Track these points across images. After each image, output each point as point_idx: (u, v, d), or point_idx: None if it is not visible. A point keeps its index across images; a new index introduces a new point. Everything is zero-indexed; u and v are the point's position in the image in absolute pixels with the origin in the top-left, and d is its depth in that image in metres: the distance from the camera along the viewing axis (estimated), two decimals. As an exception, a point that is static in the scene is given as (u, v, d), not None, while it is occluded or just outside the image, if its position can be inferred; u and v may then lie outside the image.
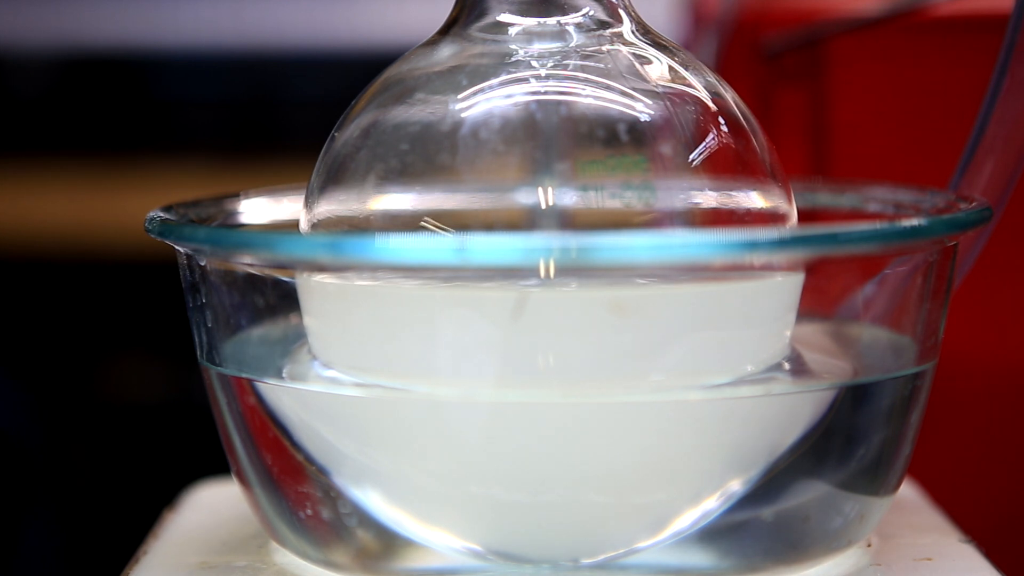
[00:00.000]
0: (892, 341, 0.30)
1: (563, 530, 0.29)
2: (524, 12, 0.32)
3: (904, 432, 0.30)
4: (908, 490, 0.35)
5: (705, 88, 0.32)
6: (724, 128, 0.31)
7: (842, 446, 0.29)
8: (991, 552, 0.32)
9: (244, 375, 0.30)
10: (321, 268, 0.29)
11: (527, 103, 0.31)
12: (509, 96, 0.31)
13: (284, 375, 0.30)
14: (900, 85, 0.44)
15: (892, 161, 0.44)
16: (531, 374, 0.28)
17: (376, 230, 0.31)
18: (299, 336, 0.31)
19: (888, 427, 0.30)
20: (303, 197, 0.33)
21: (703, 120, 0.31)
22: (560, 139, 0.31)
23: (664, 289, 0.28)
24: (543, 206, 0.32)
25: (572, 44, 0.32)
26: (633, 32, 0.32)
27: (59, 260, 1.03)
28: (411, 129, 0.31)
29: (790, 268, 0.29)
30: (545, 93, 0.31)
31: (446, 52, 0.32)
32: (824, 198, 0.36)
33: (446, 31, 0.33)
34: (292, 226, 0.34)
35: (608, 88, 0.31)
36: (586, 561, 0.29)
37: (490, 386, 0.28)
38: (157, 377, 1.01)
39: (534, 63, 0.31)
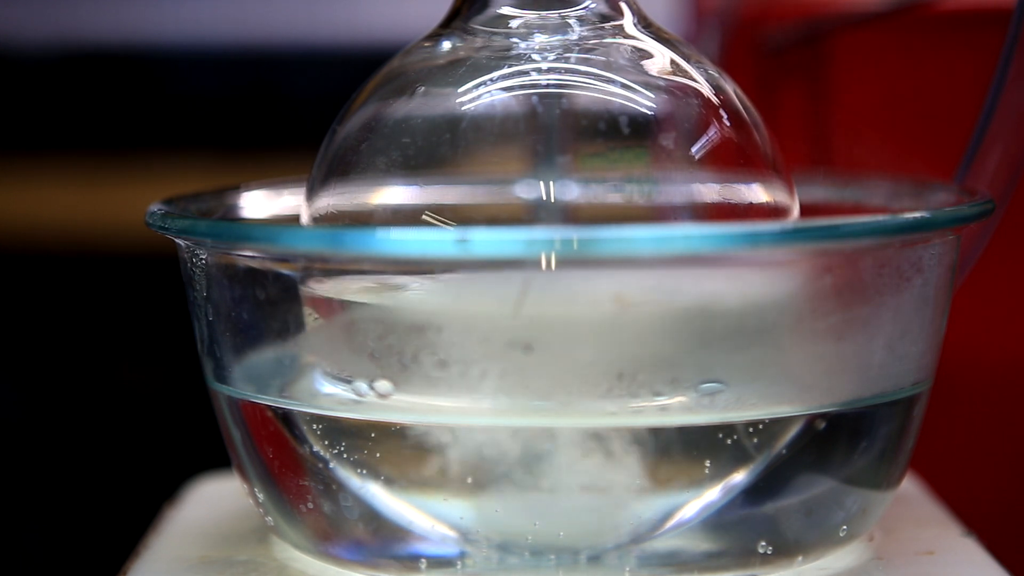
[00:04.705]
0: (896, 337, 0.29)
1: (566, 522, 0.29)
2: (525, 5, 0.32)
3: (906, 426, 0.30)
4: (910, 484, 0.35)
5: (707, 81, 0.32)
6: (726, 121, 0.31)
7: (845, 440, 0.29)
8: (993, 546, 0.32)
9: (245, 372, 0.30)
10: (322, 260, 0.29)
11: (528, 96, 0.31)
12: (510, 89, 0.31)
13: (285, 383, 0.30)
14: (902, 79, 0.44)
15: (894, 155, 0.44)
16: (532, 381, 0.28)
17: (377, 223, 0.31)
18: (299, 333, 0.31)
19: (890, 422, 0.30)
20: (303, 190, 0.33)
21: (705, 113, 0.31)
22: (561, 132, 0.31)
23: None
24: (545, 199, 0.32)
25: (573, 37, 0.32)
26: (635, 25, 0.32)
27: (60, 254, 1.03)
28: (412, 122, 0.31)
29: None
30: (546, 86, 0.31)
31: (447, 45, 0.32)
32: (826, 191, 0.36)
33: (447, 24, 0.33)
34: (293, 219, 0.34)
35: (609, 81, 0.31)
36: (588, 553, 0.29)
37: (491, 396, 0.28)
38: (158, 371, 1.01)
39: (535, 56, 0.31)
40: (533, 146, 0.32)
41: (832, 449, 0.29)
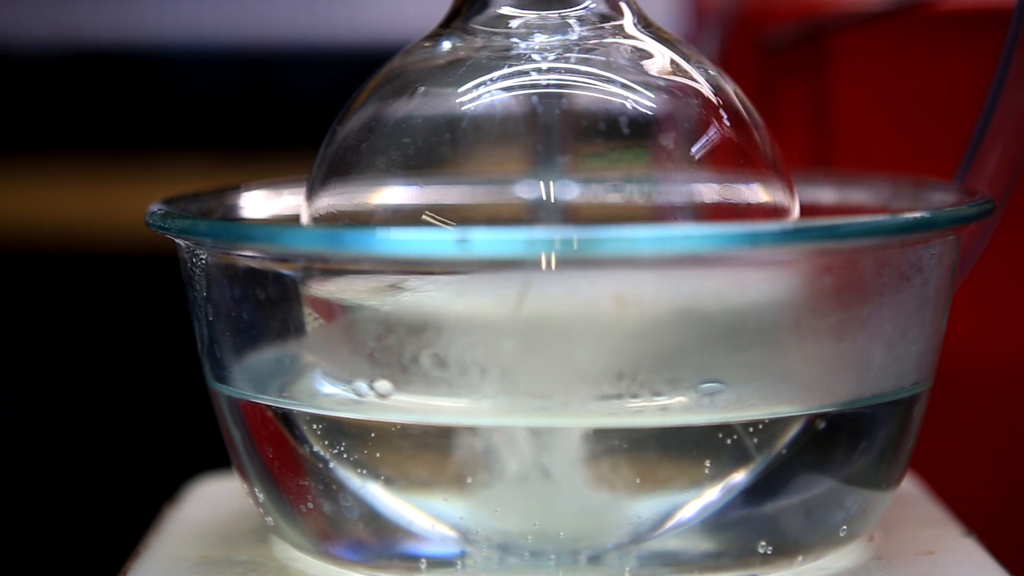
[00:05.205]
0: (896, 337, 0.29)
1: (566, 522, 0.29)
2: (525, 5, 0.32)
3: (906, 426, 0.30)
4: (910, 484, 0.35)
5: (707, 81, 0.32)
6: (726, 121, 0.31)
7: (845, 440, 0.29)
8: (993, 546, 0.32)
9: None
10: (322, 260, 0.29)
11: (528, 96, 0.31)
12: (510, 89, 0.31)
13: (285, 383, 0.30)
14: (902, 79, 0.44)
15: (894, 155, 0.44)
16: (532, 381, 0.28)
17: (377, 223, 0.31)
18: (299, 333, 0.31)
19: (890, 422, 0.30)
20: (303, 190, 0.32)
21: (705, 113, 0.31)
22: (561, 132, 0.31)
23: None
24: (545, 199, 0.32)
25: (573, 37, 0.32)
26: (635, 25, 0.32)
27: (60, 254, 1.03)
28: (412, 122, 0.31)
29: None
30: (546, 86, 0.31)
31: (447, 45, 0.32)
32: (826, 192, 0.36)
33: (447, 24, 0.33)
34: (293, 219, 0.34)
35: (609, 81, 0.31)
36: (588, 553, 0.29)
37: (491, 397, 0.28)
38: (158, 371, 1.01)
39: (535, 56, 0.31)
40: (533, 146, 0.32)
41: (832, 449, 0.29)
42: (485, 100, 0.31)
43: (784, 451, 0.29)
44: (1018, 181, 0.32)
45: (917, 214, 0.28)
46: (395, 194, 0.31)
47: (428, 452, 0.29)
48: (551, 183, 0.32)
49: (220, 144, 1.04)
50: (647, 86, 0.31)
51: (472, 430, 0.28)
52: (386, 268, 0.29)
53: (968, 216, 0.29)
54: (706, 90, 0.31)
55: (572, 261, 0.27)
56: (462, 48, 0.32)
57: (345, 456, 0.29)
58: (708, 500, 0.29)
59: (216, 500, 0.35)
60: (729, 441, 0.28)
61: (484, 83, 0.31)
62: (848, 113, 0.45)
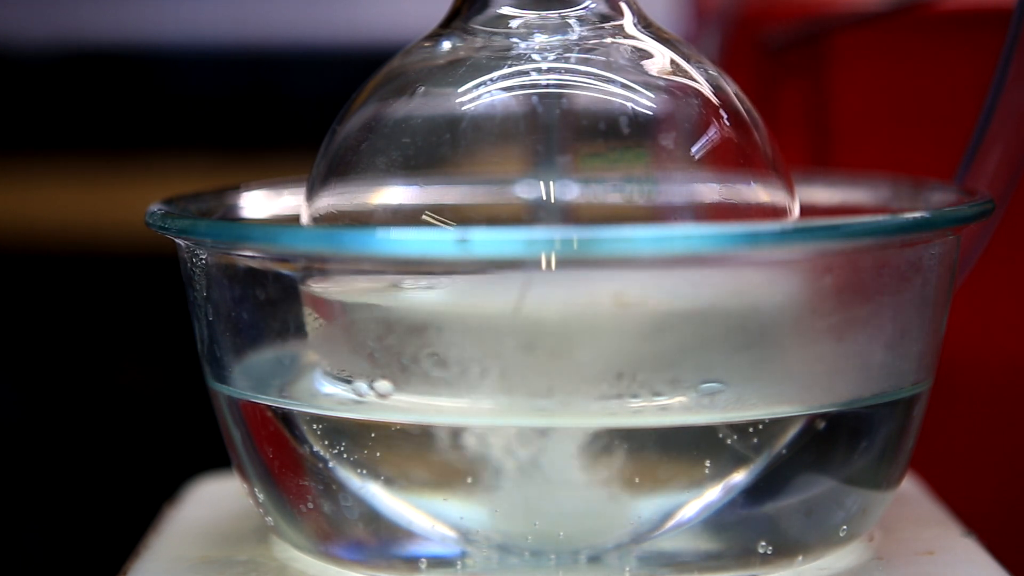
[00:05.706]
0: (896, 337, 0.29)
1: (566, 522, 0.29)
2: (525, 5, 0.32)
3: (906, 426, 0.30)
4: (910, 484, 0.35)
5: (707, 81, 0.32)
6: (726, 121, 0.31)
7: (845, 440, 0.29)
8: (993, 546, 0.32)
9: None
10: (322, 260, 0.29)
11: (528, 96, 0.31)
12: (510, 89, 0.31)
13: (285, 383, 0.30)
14: (902, 79, 0.44)
15: (894, 155, 0.44)
16: (532, 381, 0.28)
17: (377, 223, 0.31)
18: (299, 333, 0.31)
19: (890, 422, 0.30)
20: (303, 190, 0.33)
21: (705, 113, 0.31)
22: (561, 132, 0.31)
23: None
24: (545, 199, 0.33)
25: (573, 37, 0.32)
26: (635, 25, 0.32)
27: (60, 254, 1.03)
28: (412, 122, 0.31)
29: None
30: (546, 86, 0.31)
31: (447, 45, 0.32)
32: (826, 191, 0.36)
33: (447, 24, 0.33)
34: (293, 219, 0.34)
35: (609, 81, 0.31)
36: (588, 553, 0.29)
37: (491, 397, 0.28)
38: (158, 371, 1.01)
39: (535, 56, 0.31)
40: (533, 146, 0.32)
41: (832, 449, 0.29)
42: (485, 100, 0.31)
43: (784, 451, 0.29)
44: (1018, 181, 0.32)
45: (917, 214, 0.28)
46: (395, 194, 0.31)
47: (428, 452, 0.29)
48: (551, 183, 0.32)
49: (220, 144, 1.04)
50: (647, 86, 0.31)
51: (472, 430, 0.28)
52: (386, 268, 0.29)
53: (968, 216, 0.29)
54: (706, 90, 0.31)
55: (572, 261, 0.27)
56: (462, 48, 0.32)
57: (345, 456, 0.29)
58: (708, 500, 0.29)
59: (216, 500, 0.35)
60: (729, 441, 0.28)
61: (484, 83, 0.31)
62: (848, 113, 0.45)
